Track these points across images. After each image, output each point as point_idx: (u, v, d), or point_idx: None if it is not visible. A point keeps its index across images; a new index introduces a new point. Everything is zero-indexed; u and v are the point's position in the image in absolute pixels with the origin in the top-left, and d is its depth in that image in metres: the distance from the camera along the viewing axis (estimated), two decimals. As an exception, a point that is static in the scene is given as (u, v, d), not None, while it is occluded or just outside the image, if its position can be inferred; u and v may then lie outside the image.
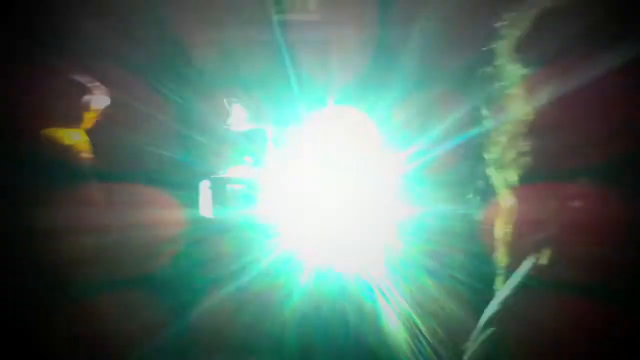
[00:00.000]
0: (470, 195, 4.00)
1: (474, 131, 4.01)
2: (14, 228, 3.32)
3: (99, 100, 3.66)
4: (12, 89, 3.36)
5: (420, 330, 3.87)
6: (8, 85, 3.32)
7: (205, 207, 4.52)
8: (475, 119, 4.05)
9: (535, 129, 3.92)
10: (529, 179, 3.86)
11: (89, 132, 3.64)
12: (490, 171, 4.11)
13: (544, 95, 3.76)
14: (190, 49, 4.31)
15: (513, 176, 3.98)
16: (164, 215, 4.17)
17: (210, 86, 4.39)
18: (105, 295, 3.36)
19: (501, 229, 3.80)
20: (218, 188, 4.47)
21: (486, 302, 3.65)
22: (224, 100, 4.43)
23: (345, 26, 4.46)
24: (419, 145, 4.17)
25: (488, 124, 4.09)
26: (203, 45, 4.30)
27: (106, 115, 3.68)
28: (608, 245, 3.27)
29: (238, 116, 4.49)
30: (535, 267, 3.49)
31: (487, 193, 3.93)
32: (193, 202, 4.46)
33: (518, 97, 3.91)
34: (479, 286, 3.73)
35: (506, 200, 3.89)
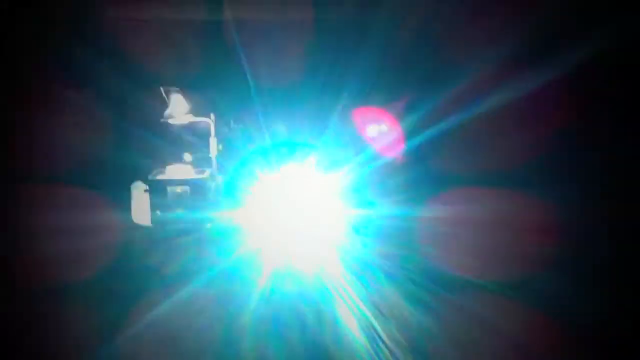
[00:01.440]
0: (418, 198, 4.04)
1: (419, 137, 4.11)
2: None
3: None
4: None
5: (378, 333, 3.71)
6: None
7: (141, 212, 3.89)
8: (418, 126, 4.13)
9: (477, 135, 4.04)
10: (470, 183, 3.95)
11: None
12: (436, 176, 4.14)
13: (486, 103, 3.90)
14: (120, 29, 3.74)
15: (457, 180, 4.03)
16: (95, 220, 3.50)
17: (147, 74, 3.85)
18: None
19: (451, 231, 3.81)
20: (156, 190, 3.89)
21: (442, 304, 3.63)
22: (162, 90, 3.91)
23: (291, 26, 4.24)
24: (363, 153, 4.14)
25: (432, 130, 4.16)
26: (137, 26, 3.76)
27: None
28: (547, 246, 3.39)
29: (178, 108, 3.98)
30: (486, 270, 3.50)
31: (434, 196, 4.00)
32: (127, 206, 3.82)
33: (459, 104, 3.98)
34: (436, 288, 3.72)
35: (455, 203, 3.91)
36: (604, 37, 3.18)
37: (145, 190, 3.90)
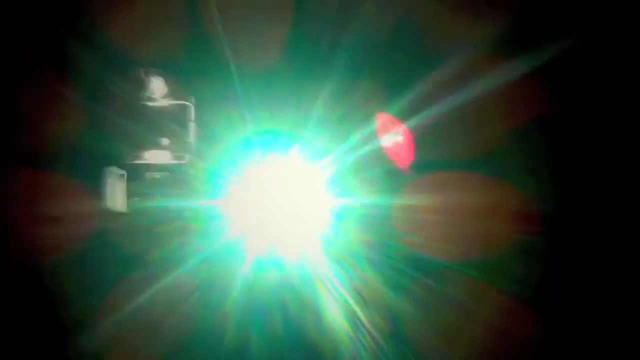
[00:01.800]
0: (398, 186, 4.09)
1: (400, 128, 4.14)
2: None
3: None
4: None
5: (360, 320, 3.73)
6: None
7: (118, 199, 3.73)
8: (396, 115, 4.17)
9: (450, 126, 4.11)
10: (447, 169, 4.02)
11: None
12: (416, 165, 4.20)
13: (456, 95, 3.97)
14: (99, 11, 3.55)
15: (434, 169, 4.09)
16: (69, 207, 3.32)
17: (126, 55, 3.67)
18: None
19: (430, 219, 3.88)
20: (134, 176, 3.73)
21: (422, 289, 3.71)
22: (140, 71, 3.74)
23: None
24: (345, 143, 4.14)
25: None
26: (117, 9, 3.58)
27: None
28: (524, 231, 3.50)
29: (157, 90, 3.83)
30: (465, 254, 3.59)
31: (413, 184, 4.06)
32: (103, 192, 3.64)
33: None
34: (416, 274, 3.78)
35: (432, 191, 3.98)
36: (576, 34, 3.31)
37: (122, 176, 3.74)
